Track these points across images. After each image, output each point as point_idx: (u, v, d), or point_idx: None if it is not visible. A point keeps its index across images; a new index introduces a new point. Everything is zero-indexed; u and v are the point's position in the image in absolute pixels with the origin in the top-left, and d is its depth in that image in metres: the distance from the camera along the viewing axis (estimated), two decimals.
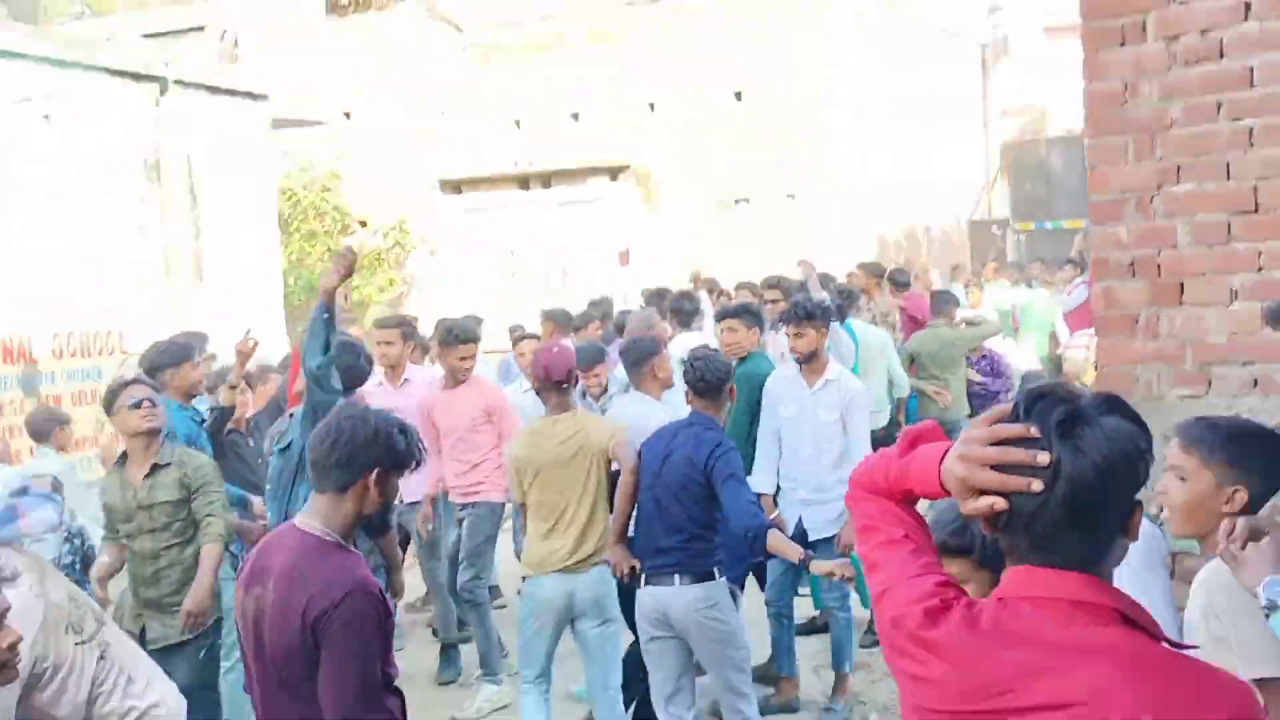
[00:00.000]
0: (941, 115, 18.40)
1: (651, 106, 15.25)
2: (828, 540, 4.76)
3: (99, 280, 7.60)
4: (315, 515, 2.36)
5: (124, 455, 4.03)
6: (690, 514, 3.91)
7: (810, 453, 4.88)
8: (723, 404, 4.06)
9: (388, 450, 2.36)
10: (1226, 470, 2.20)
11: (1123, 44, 3.37)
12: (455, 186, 15.16)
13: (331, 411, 2.50)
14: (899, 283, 9.06)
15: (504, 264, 14.95)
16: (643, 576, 3.99)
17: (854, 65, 15.56)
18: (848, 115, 15.39)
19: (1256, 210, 3.21)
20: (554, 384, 4.16)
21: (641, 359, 4.47)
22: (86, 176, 7.57)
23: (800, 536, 4.70)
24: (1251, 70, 3.17)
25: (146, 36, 9.16)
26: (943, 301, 8.00)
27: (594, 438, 4.11)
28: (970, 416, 7.60)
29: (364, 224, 14.82)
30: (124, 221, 7.85)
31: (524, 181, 14.87)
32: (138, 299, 7.82)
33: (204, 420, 4.80)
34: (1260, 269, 3.24)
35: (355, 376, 4.21)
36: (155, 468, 3.95)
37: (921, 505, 1.59)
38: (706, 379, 3.99)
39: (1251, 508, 2.16)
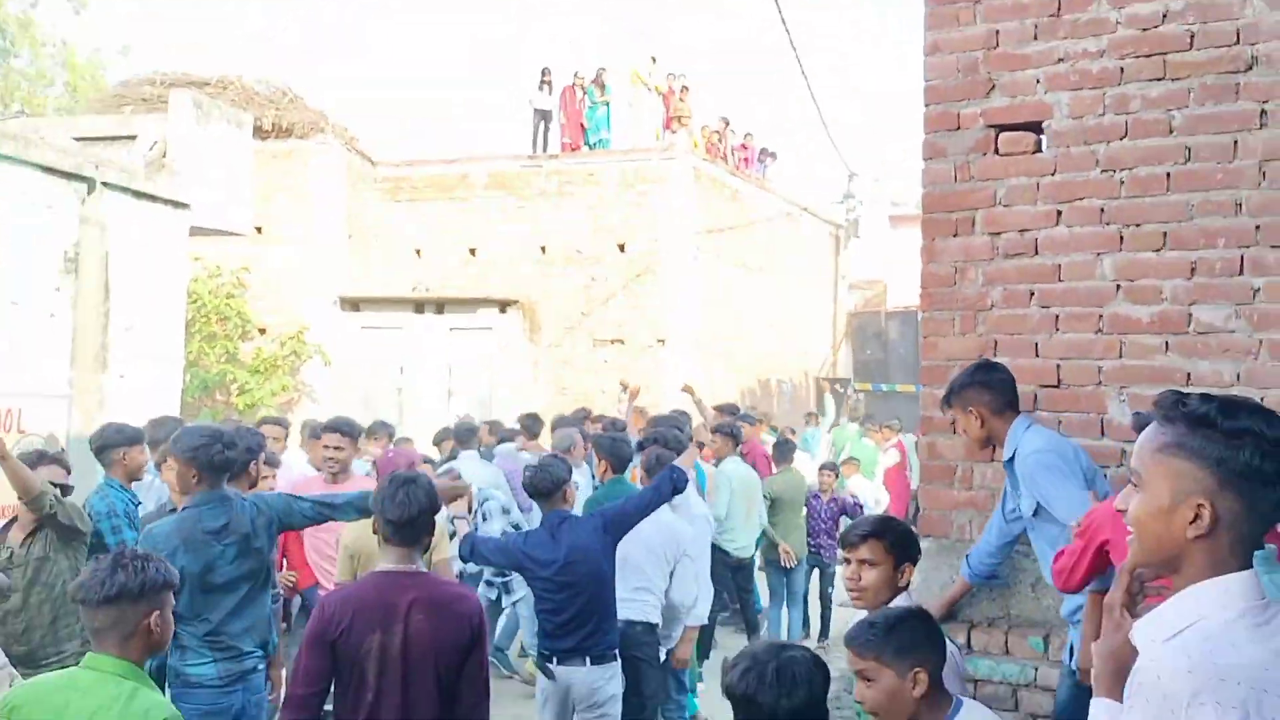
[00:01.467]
0: (798, 283, 19.37)
1: (543, 249, 15.63)
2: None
3: (4, 360, 7.29)
4: (403, 560, 3.00)
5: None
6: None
7: None
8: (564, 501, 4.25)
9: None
10: (901, 659, 2.27)
11: (955, 235, 3.72)
12: (354, 304, 15.09)
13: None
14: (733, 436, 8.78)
15: (393, 380, 14.83)
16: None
17: (721, 231, 16.33)
18: (715, 275, 16.06)
19: (1058, 385, 3.52)
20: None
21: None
22: (6, 262, 7.34)
23: None
24: (1059, 266, 3.56)
25: (79, 139, 9.03)
26: (788, 449, 8.29)
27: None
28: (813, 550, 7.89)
29: (262, 331, 14.53)
30: (37, 308, 7.58)
31: (419, 306, 14.91)
32: (40, 381, 7.51)
33: (139, 503, 4.67)
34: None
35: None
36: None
37: None
38: (535, 484, 4.21)
39: (933, 680, 2.26)
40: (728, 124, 18.05)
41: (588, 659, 4.12)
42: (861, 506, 8.60)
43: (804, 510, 7.89)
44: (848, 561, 2.82)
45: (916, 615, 2.39)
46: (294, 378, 14.35)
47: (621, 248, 15.25)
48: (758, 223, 17.64)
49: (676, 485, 4.43)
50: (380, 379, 14.89)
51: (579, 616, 4.13)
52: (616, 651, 4.22)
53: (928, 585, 3.70)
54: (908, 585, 2.81)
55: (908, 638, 2.31)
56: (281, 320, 14.51)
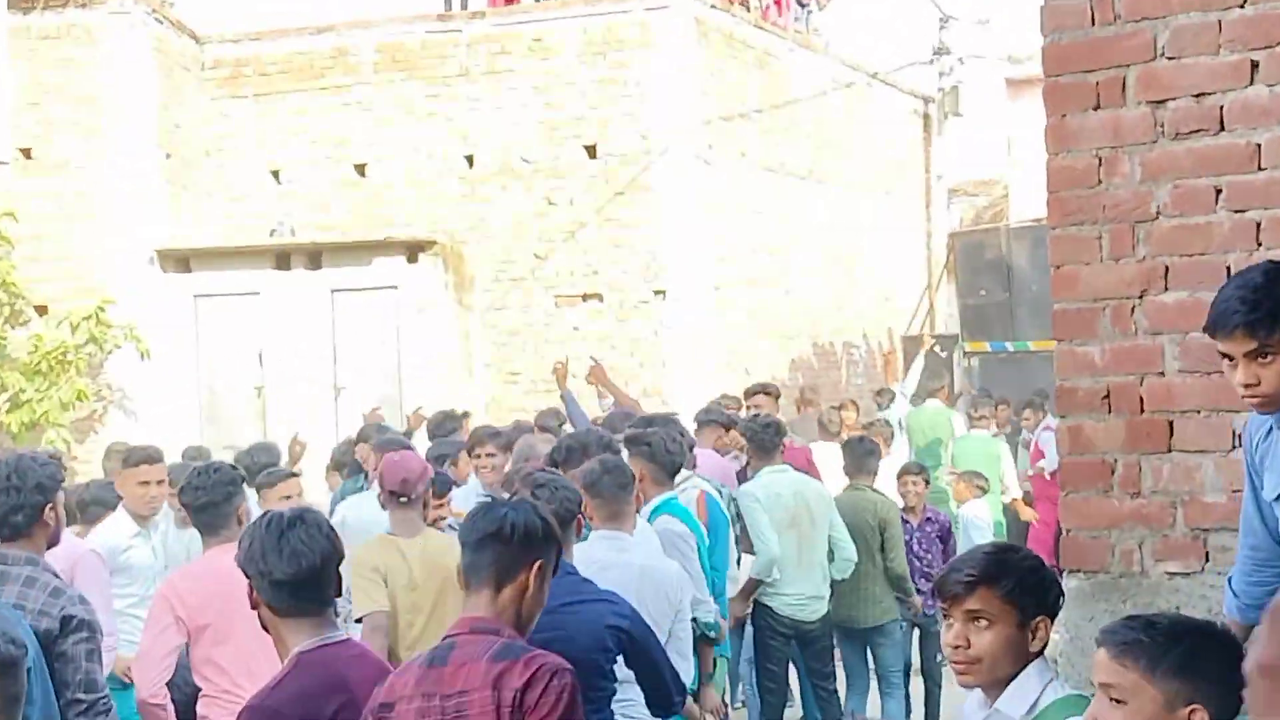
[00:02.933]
0: (869, 191, 19.47)
1: (470, 161, 15.68)
2: None
3: None
4: (316, 630, 3.34)
5: None
6: None
7: None
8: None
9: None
10: (1176, 685, 2.38)
11: (1096, 106, 3.79)
12: (181, 262, 15.13)
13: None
14: (718, 423, 8.68)
15: (248, 373, 14.88)
16: None
17: (744, 118, 16.40)
18: (738, 186, 16.14)
19: None
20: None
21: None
22: None
23: None
24: (1258, 148, 3.62)
25: None
26: (863, 453, 8.30)
27: None
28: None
29: (41, 311, 14.57)
30: None
31: (282, 258, 14.97)
32: None
33: None
34: None
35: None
36: None
37: None
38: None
39: None
40: None
41: None
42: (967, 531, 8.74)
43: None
44: (948, 619, 2.90)
45: (1218, 633, 2.51)
46: (95, 379, 14.40)
47: (591, 152, 15.32)
48: (801, 102, 17.72)
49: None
50: (228, 373, 14.94)
51: None
52: None
53: (1078, 644, 3.80)
54: (1043, 649, 2.88)
55: (1198, 657, 2.40)
56: (70, 291, 14.54)
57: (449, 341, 15.07)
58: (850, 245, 18.94)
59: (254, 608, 3.34)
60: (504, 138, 15.52)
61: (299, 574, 3.23)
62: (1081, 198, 3.85)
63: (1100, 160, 3.82)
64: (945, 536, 8.47)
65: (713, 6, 15.82)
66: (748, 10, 17.06)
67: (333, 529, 3.43)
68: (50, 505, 4.30)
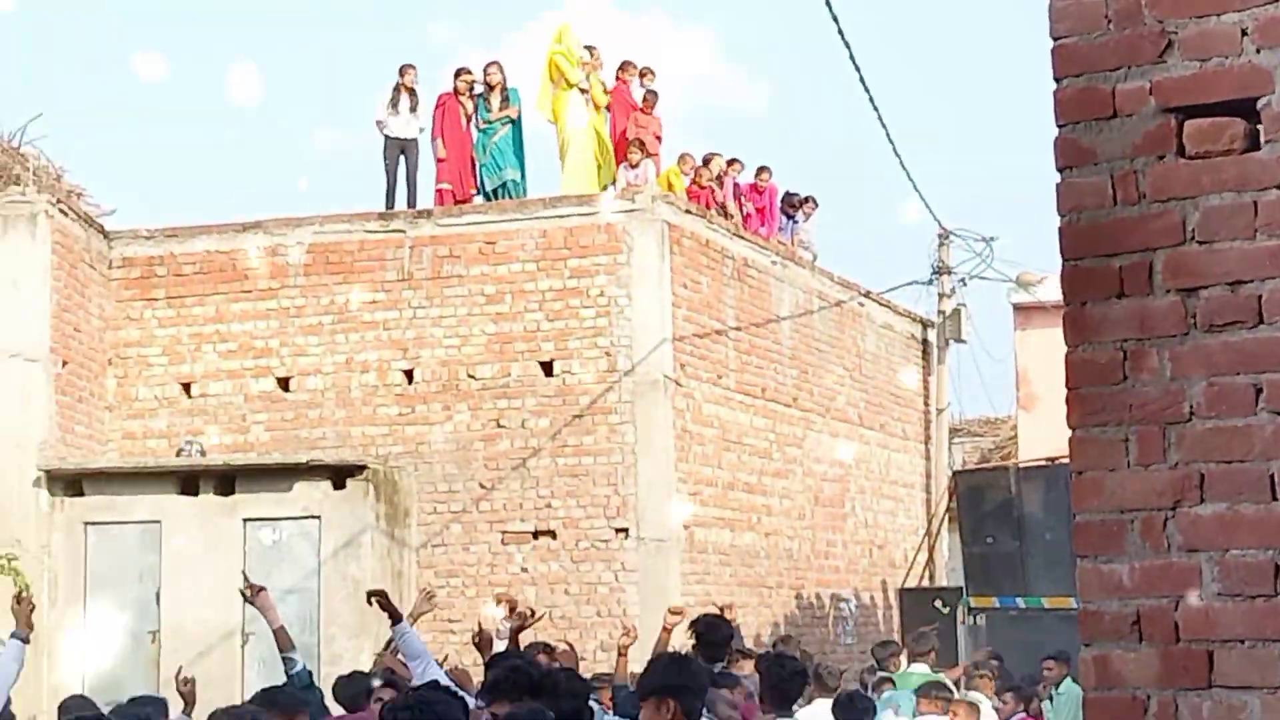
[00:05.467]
0: (863, 425, 19.59)
1: (409, 377, 15.77)
2: None
3: None
4: None
5: None
6: None
7: None
8: None
9: None
10: None
11: (1120, 295, 3.83)
12: (71, 484, 15.06)
13: None
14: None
15: (142, 619, 14.67)
16: None
17: (719, 336, 16.61)
18: (712, 415, 16.25)
19: None
20: None
21: None
22: None
23: None
24: None
25: None
26: (860, 711, 8.29)
27: None
28: None
29: None
30: None
31: (189, 482, 14.91)
32: None
33: None
34: None
35: None
36: None
37: None
38: None
39: None
40: (729, 164, 18.49)
41: None
42: None
43: None
44: None
45: None
46: None
47: (547, 369, 15.45)
48: (785, 320, 18.00)
49: None
50: (119, 614, 14.71)
51: None
52: None
53: None
54: None
55: None
56: None
57: (377, 582, 14.88)
58: (838, 484, 18.99)
59: None
60: (449, 351, 15.65)
61: None
62: (1105, 395, 3.87)
63: (1125, 354, 3.86)
64: None
65: (687, 211, 16.17)
66: (726, 217, 17.44)
67: None
68: None
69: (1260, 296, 3.72)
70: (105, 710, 9.62)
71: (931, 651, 14.51)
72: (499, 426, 15.47)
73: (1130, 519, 3.87)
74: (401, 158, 16.93)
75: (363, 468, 14.87)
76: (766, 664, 7.81)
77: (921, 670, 13.61)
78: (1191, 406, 3.78)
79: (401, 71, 17.02)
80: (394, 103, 16.89)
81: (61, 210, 15.57)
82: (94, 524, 14.88)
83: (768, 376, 17.56)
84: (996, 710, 12.85)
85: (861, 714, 8.21)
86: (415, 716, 4.71)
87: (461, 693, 6.15)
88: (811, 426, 18.43)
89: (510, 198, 16.36)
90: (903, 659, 14.39)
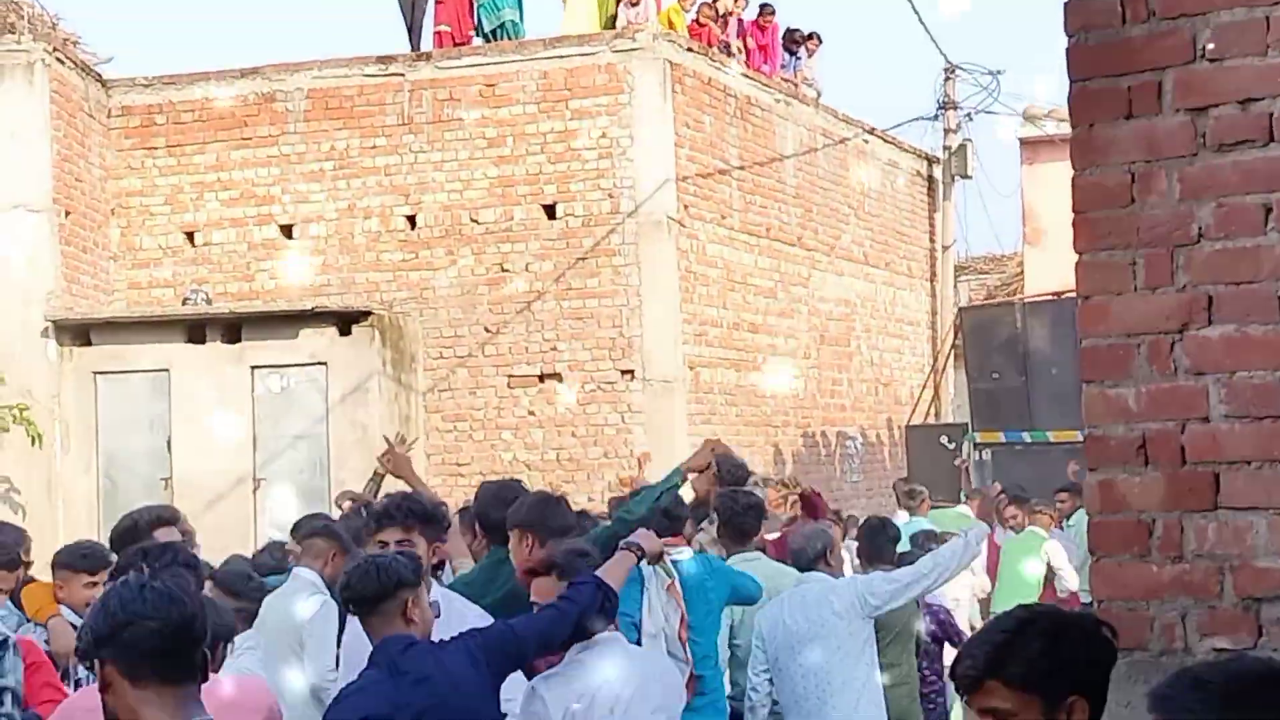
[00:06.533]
0: (867, 263, 19.60)
1: (412, 223, 15.75)
2: None
3: None
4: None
5: None
6: None
7: None
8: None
9: None
10: None
11: (1128, 115, 3.80)
12: (80, 335, 15.11)
13: None
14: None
15: (154, 463, 14.80)
16: None
17: (723, 175, 16.55)
18: (716, 255, 16.25)
19: None
20: None
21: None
22: None
23: None
24: None
25: None
26: (885, 539, 8.39)
27: None
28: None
29: None
30: None
31: (196, 331, 14.95)
32: None
33: None
34: None
35: None
36: None
37: None
38: None
39: None
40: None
41: None
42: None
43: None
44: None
45: None
46: None
47: (550, 212, 15.43)
48: (789, 159, 17.91)
49: (605, 607, 4.93)
50: (131, 462, 14.85)
51: None
52: None
53: None
54: None
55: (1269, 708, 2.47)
56: None
57: (385, 427, 15.00)
58: (843, 323, 19.03)
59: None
60: (451, 196, 15.61)
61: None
62: (1113, 219, 3.86)
63: (1133, 176, 3.84)
64: (944, 631, 8.83)
65: (689, 50, 16.02)
66: (729, 55, 17.28)
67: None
68: None
69: (1271, 115, 3.69)
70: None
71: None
72: (503, 270, 15.48)
73: (1137, 343, 3.88)
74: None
75: (368, 314, 14.91)
76: (722, 499, 7.74)
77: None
78: (1200, 228, 3.77)
79: None
80: None
81: (58, 58, 15.44)
82: (103, 373, 14.96)
83: (772, 216, 17.52)
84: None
85: (890, 541, 8.35)
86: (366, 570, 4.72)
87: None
88: (816, 265, 18.43)
89: (509, 39, 16.18)
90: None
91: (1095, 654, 2.90)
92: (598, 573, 5.15)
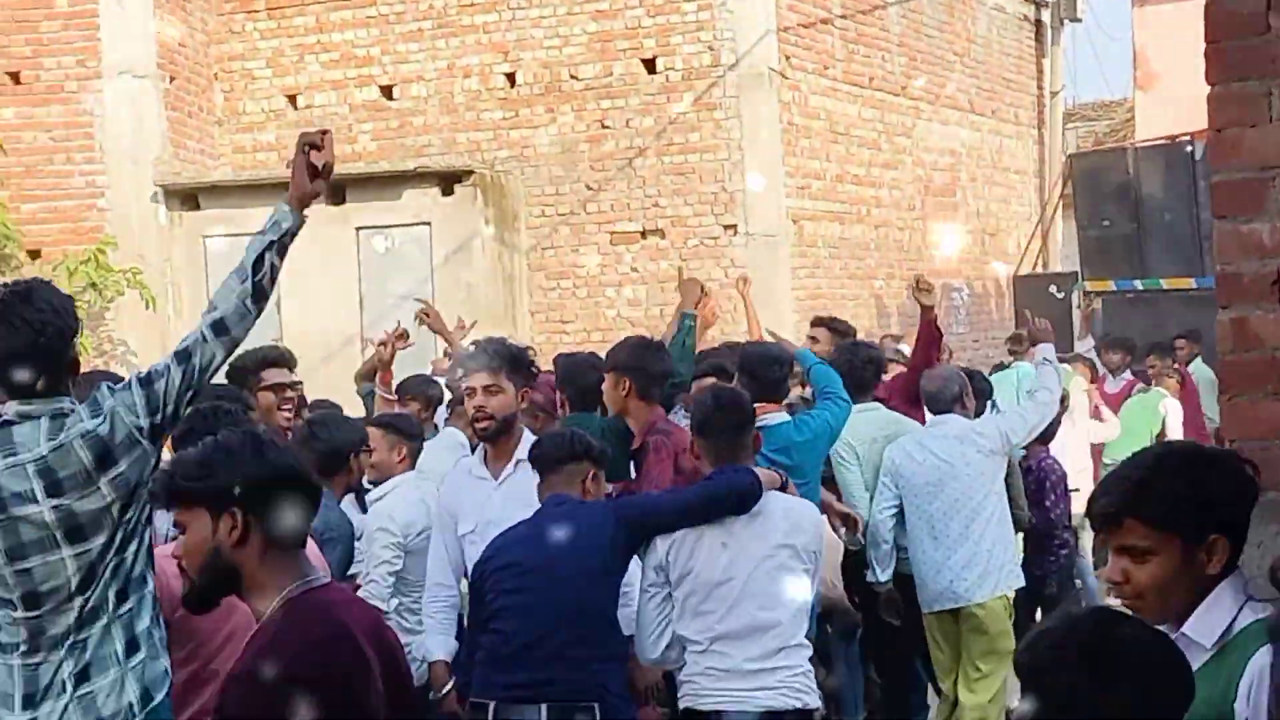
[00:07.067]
0: (972, 111, 19.33)
1: (511, 80, 15.74)
2: None
3: None
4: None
5: None
6: None
7: None
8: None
9: None
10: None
11: None
12: (188, 199, 15.31)
13: None
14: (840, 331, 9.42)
15: (264, 322, 15.03)
16: None
17: (825, 25, 16.34)
18: (819, 107, 16.11)
19: None
20: None
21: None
22: None
23: None
24: None
25: None
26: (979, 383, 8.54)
27: None
28: None
29: (34, 255, 14.80)
30: None
31: None
32: None
33: None
34: None
35: None
36: None
37: None
38: None
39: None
40: None
41: (542, 709, 4.88)
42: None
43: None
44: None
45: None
46: (94, 330, 14.60)
47: (649, 67, 15.35)
48: (893, 6, 17.62)
49: (744, 500, 5.10)
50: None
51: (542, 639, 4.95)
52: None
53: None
54: (1227, 569, 2.87)
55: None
56: (66, 233, 14.78)
57: (489, 286, 15.16)
58: (949, 173, 18.84)
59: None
60: (550, 53, 15.56)
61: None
62: (1246, 48, 3.74)
63: (1269, 3, 3.72)
64: (1044, 481, 9.05)
65: None
66: None
67: None
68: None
69: None
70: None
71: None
72: (603, 127, 15.45)
73: (1272, 176, 3.76)
74: None
75: (470, 173, 14.96)
76: (841, 353, 8.01)
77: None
78: None
79: None
80: None
81: None
82: (211, 236, 15.17)
83: (875, 65, 17.30)
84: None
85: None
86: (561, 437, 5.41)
87: None
88: (921, 115, 18.21)
89: None
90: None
91: (1236, 491, 2.89)
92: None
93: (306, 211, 4.45)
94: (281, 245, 4.44)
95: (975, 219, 19.49)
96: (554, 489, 5.14)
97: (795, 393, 8.10)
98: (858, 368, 7.77)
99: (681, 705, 5.23)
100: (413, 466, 6.87)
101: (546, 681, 4.89)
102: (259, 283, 4.42)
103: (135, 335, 14.90)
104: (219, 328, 4.37)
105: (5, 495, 4.00)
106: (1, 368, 4.09)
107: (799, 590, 5.15)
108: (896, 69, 17.73)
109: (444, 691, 5.56)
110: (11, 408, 4.11)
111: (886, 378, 8.67)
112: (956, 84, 19.08)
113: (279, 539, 3.15)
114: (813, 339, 9.18)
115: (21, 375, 4.09)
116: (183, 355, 4.27)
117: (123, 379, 4.39)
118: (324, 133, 4.43)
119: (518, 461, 5.69)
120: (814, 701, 5.20)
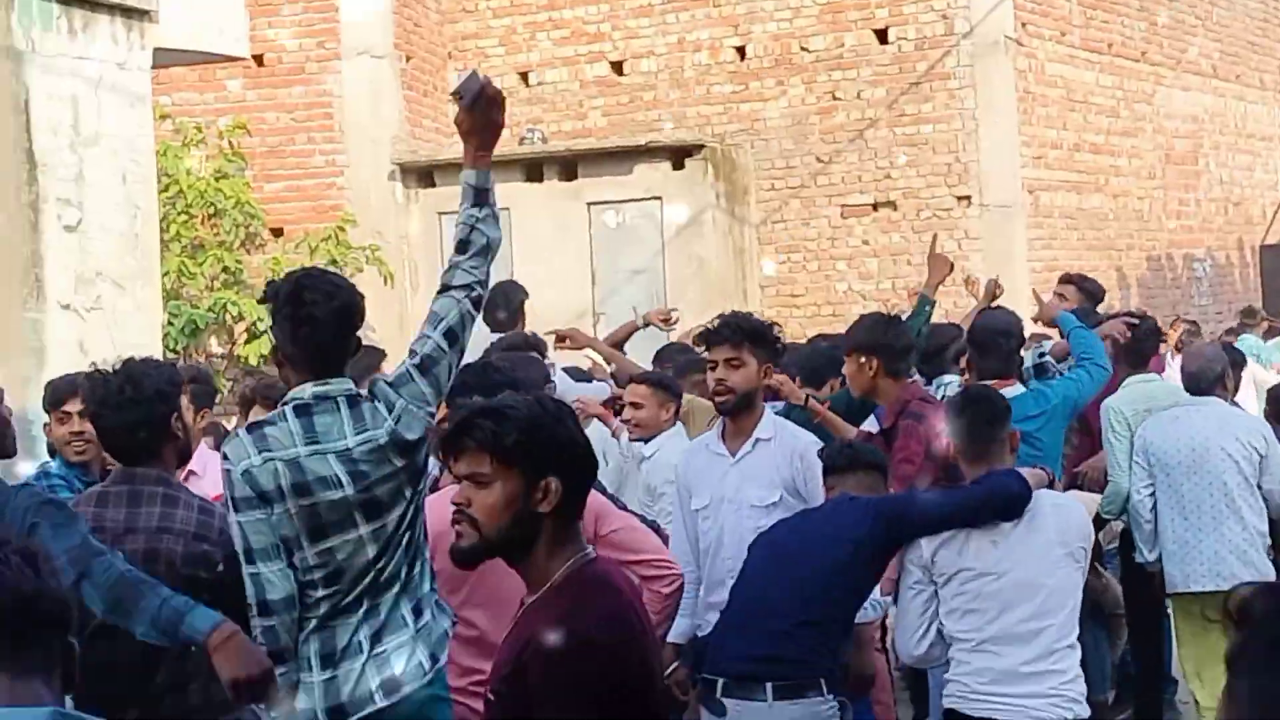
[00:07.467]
0: (1219, 77, 18.81)
1: (741, 53, 15.74)
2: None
3: None
4: None
5: None
6: None
7: (733, 562, 5.43)
8: None
9: None
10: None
11: None
12: (424, 176, 15.61)
13: None
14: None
15: None
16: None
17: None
18: (1057, 75, 15.82)
19: None
20: None
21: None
22: None
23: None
24: None
25: None
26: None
27: None
28: None
29: (277, 233, 15.22)
30: None
31: (534, 169, 15.29)
32: None
33: None
34: None
35: None
36: None
37: None
38: None
39: None
40: None
41: (768, 687, 4.86)
42: None
43: None
44: None
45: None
46: None
47: (881, 37, 15.24)
48: None
49: (1011, 505, 5.01)
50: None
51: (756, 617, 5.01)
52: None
53: None
54: None
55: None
56: (307, 211, 15.19)
57: (721, 259, 15.19)
58: (1190, 140, 18.34)
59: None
60: (780, 25, 15.54)
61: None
62: None
63: None
64: None
65: None
66: None
67: None
68: (175, 414, 4.45)
69: None
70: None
71: (1261, 319, 14.16)
72: (834, 99, 15.36)
73: None
74: None
75: (700, 147, 15.00)
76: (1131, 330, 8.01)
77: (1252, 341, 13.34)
78: None
79: None
80: None
81: None
82: (447, 213, 15.40)
83: (1114, 30, 16.91)
84: None
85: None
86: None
87: None
88: (1161, 81, 17.74)
89: None
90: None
91: None
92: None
93: (486, 155, 4.59)
94: (482, 206, 4.58)
95: (1218, 187, 18.95)
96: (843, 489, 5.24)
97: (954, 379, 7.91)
98: (1139, 339, 7.86)
99: (946, 705, 5.18)
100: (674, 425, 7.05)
101: (774, 658, 4.89)
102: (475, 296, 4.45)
103: (372, 311, 15.08)
104: (475, 301, 4.46)
105: (310, 479, 4.09)
106: (315, 346, 4.21)
107: (1071, 589, 5.07)
108: (1136, 34, 17.31)
109: (671, 671, 5.52)
110: (308, 390, 4.19)
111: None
112: (1199, 48, 18.55)
113: (574, 511, 3.20)
114: (1060, 295, 9.10)
115: (334, 353, 4.22)
116: (450, 335, 4.34)
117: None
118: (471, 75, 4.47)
119: (756, 441, 5.65)
120: (1084, 712, 5.10)
